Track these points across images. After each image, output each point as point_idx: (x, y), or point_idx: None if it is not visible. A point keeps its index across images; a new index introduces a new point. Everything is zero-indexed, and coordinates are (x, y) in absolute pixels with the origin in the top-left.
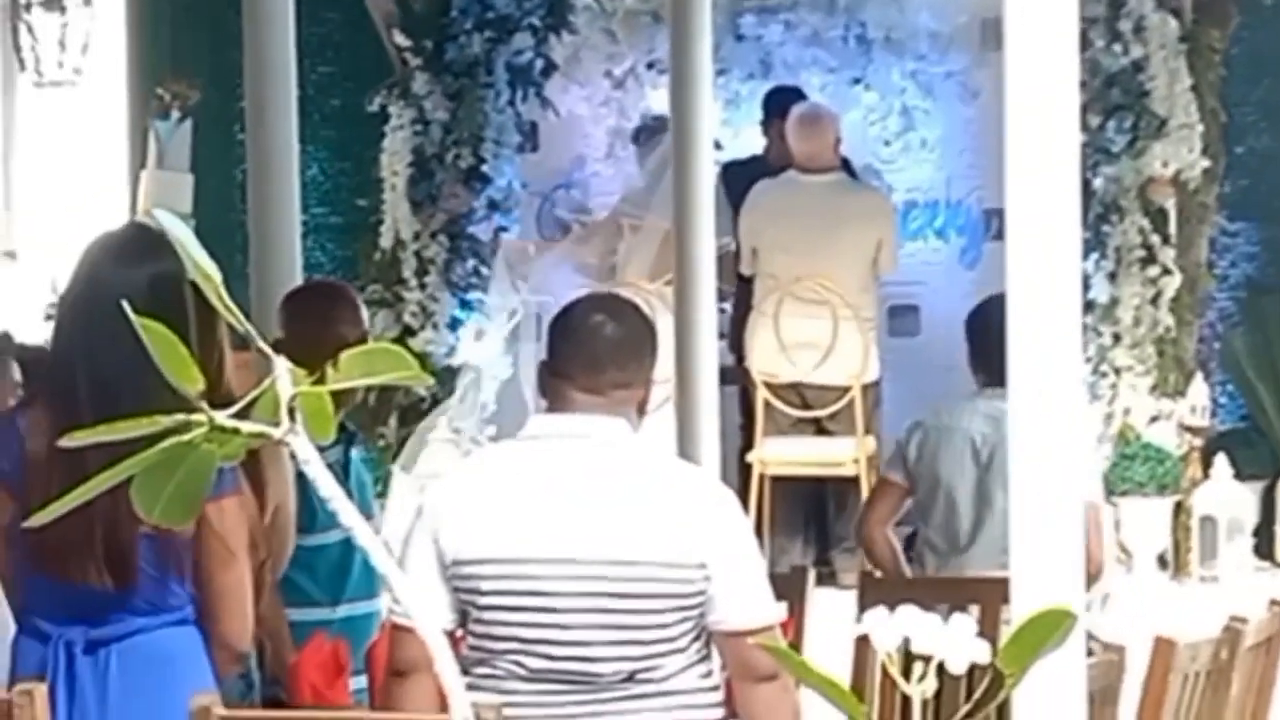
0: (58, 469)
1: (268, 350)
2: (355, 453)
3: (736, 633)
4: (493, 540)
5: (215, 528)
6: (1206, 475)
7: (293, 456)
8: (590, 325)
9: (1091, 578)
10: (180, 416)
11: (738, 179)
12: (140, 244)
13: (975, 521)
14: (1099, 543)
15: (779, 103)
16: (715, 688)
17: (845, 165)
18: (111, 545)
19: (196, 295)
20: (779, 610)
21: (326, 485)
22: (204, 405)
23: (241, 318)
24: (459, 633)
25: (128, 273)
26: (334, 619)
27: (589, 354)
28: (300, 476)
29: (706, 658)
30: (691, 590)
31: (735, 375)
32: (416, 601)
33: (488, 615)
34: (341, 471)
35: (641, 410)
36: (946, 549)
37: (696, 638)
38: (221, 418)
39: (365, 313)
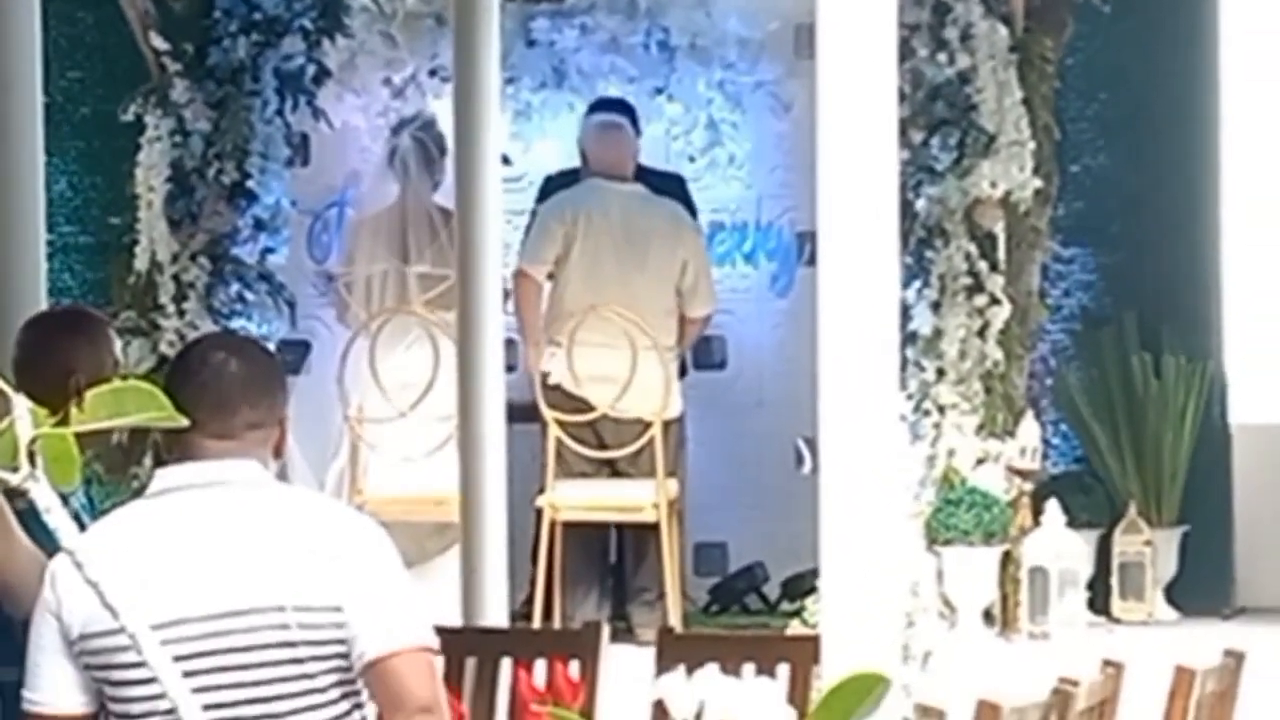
0: None
1: (5, 387)
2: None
3: (379, 660)
4: (120, 608)
5: None
6: (1037, 523)
7: (30, 506)
8: (213, 364)
9: None
10: None
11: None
12: None
13: None
14: None
15: (602, 113)
16: None
17: (675, 183)
18: None
19: None
20: (430, 636)
21: (70, 538)
22: None
23: None
24: (99, 716)
25: None
26: None
27: (217, 394)
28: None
29: None
30: (319, 638)
31: (533, 413)
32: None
33: (123, 691)
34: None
35: (277, 454)
36: None
37: (351, 695)
38: None
39: (117, 343)
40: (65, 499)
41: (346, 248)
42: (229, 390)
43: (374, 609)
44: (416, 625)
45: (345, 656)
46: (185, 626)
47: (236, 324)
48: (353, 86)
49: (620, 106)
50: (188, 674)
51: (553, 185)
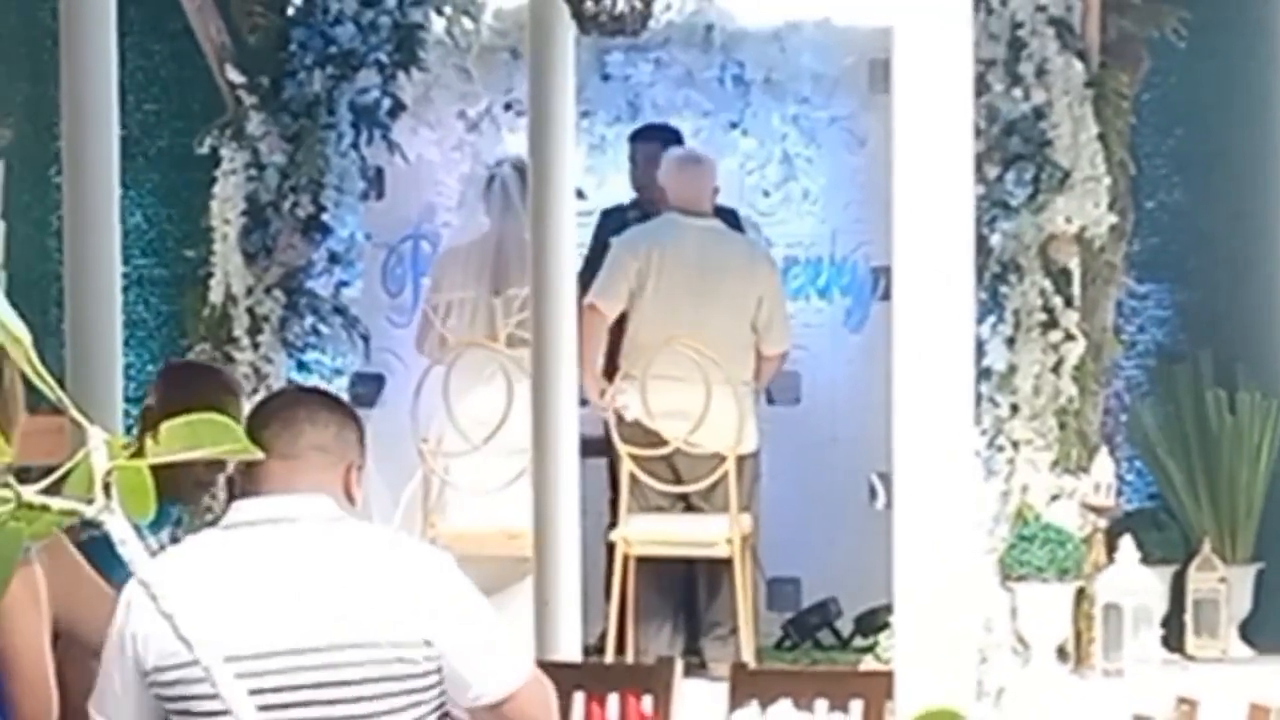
0: None
1: (81, 419)
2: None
3: (501, 702)
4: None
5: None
6: (1111, 559)
7: (105, 537)
8: (286, 390)
9: None
10: None
11: (616, 227)
12: None
13: None
14: None
15: (648, 141)
16: None
17: (729, 218)
18: None
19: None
20: (530, 663)
21: (144, 570)
22: (11, 479)
23: (53, 383)
24: None
25: None
26: None
27: (284, 412)
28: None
29: None
30: (418, 671)
31: (606, 447)
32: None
33: None
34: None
35: (349, 495)
36: None
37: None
38: (30, 493)
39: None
40: (141, 535)
41: (434, 275)
42: (292, 409)
43: (476, 646)
44: (522, 658)
45: (436, 691)
46: (265, 660)
47: (310, 357)
48: (427, 120)
49: (667, 132)
50: (267, 708)
51: (611, 221)
